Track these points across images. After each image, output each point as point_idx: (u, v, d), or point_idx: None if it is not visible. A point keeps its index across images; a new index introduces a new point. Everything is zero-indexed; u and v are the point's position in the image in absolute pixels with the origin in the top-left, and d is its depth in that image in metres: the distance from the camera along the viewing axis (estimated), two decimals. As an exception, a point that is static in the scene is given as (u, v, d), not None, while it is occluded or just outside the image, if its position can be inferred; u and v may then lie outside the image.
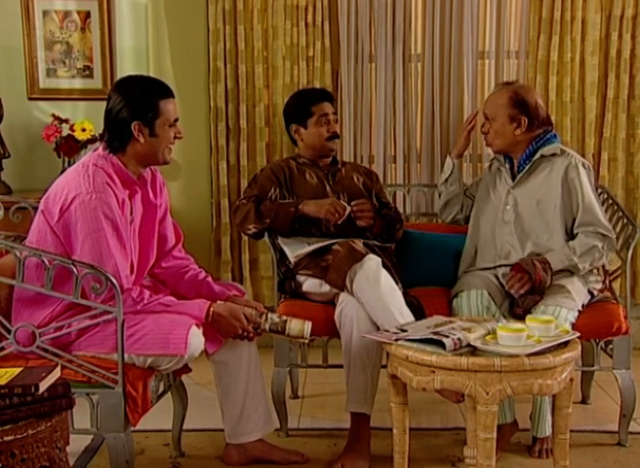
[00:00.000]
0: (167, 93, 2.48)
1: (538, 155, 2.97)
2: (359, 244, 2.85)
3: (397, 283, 2.81)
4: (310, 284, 2.93)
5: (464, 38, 3.90)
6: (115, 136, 2.43)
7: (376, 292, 2.68)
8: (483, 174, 3.29)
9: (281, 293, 3.06)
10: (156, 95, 2.44)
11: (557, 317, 2.62)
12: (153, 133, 2.43)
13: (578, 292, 2.79)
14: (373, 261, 2.75)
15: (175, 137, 2.49)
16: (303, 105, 3.19)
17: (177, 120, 2.49)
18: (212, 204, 4.00)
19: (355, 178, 3.24)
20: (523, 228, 2.97)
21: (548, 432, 2.73)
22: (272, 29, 3.89)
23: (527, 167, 2.99)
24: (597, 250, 2.86)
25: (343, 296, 2.77)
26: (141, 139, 2.42)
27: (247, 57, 3.89)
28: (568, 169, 2.94)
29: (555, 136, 3.04)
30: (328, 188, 3.15)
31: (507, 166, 3.08)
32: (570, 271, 2.86)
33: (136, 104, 2.41)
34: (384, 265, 2.80)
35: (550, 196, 2.95)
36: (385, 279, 2.72)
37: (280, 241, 3.05)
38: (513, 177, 3.04)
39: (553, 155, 2.97)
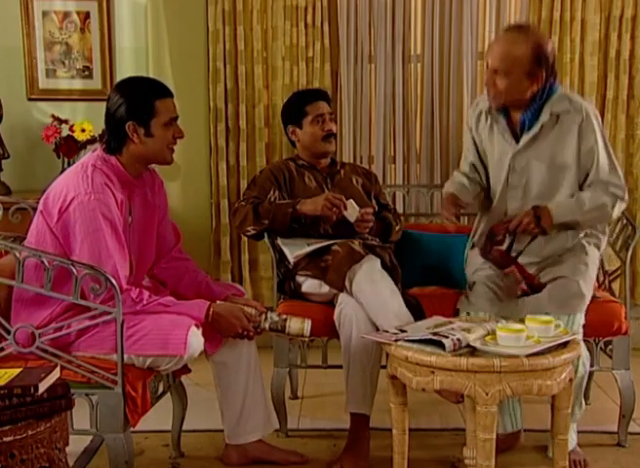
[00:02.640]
0: (163, 92, 2.46)
1: (547, 113, 2.65)
2: (358, 244, 2.85)
3: (396, 283, 2.81)
4: (310, 284, 2.93)
5: (464, 39, 3.90)
6: (113, 137, 2.43)
7: (375, 292, 2.68)
8: (467, 130, 2.91)
9: (280, 294, 3.06)
10: (152, 94, 2.43)
11: (573, 324, 2.57)
12: (149, 133, 2.42)
13: (588, 285, 2.66)
14: (372, 262, 2.75)
15: (175, 137, 2.48)
16: (298, 106, 3.18)
17: (175, 119, 2.47)
18: (211, 204, 4.00)
19: (354, 180, 3.23)
20: (531, 192, 2.73)
21: (572, 446, 2.68)
22: (272, 30, 3.89)
23: (537, 127, 2.66)
24: (605, 208, 2.67)
25: (343, 297, 2.77)
26: (136, 140, 2.41)
27: (246, 57, 3.90)
28: (582, 126, 2.66)
29: (555, 83, 2.70)
30: (327, 192, 3.13)
31: (505, 122, 2.73)
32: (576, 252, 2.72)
33: (131, 104, 2.40)
34: (384, 266, 2.81)
35: (564, 156, 2.68)
36: (385, 279, 2.72)
37: (279, 241, 3.04)
38: (514, 136, 2.72)
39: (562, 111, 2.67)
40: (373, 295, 2.68)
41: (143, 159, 2.47)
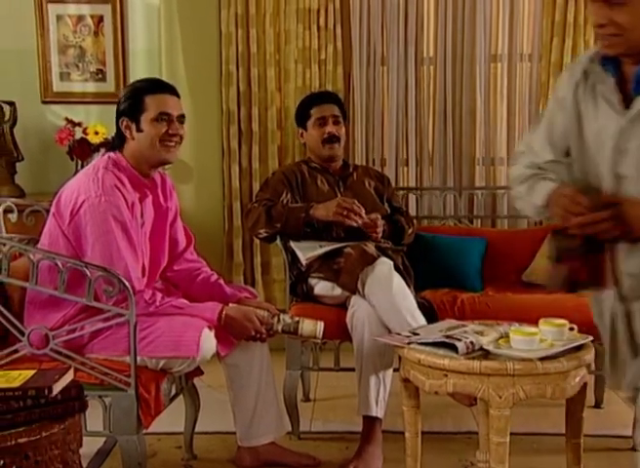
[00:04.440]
0: (156, 88, 2.47)
1: None
2: (371, 247, 2.84)
3: (409, 286, 2.80)
4: (322, 287, 2.92)
5: (477, 41, 3.90)
6: (116, 134, 2.49)
7: (387, 295, 2.67)
8: (554, 105, 1.96)
9: (293, 296, 3.06)
10: (143, 90, 2.45)
11: None
12: (139, 128, 2.44)
13: None
14: (385, 264, 2.74)
15: (168, 134, 2.44)
16: (305, 108, 3.18)
17: (166, 114, 2.44)
18: (224, 207, 4.00)
19: (367, 183, 3.22)
20: None
21: None
22: (284, 33, 3.90)
23: None
24: None
25: (355, 299, 2.76)
26: (129, 136, 2.44)
27: (259, 60, 3.90)
28: None
29: None
30: (339, 195, 3.12)
31: (613, 82, 1.79)
32: None
33: (125, 101, 2.46)
34: (396, 268, 2.80)
35: None
36: (397, 282, 2.72)
37: (292, 244, 3.04)
38: (625, 101, 1.77)
39: None
40: (385, 298, 2.67)
41: (141, 157, 2.46)
